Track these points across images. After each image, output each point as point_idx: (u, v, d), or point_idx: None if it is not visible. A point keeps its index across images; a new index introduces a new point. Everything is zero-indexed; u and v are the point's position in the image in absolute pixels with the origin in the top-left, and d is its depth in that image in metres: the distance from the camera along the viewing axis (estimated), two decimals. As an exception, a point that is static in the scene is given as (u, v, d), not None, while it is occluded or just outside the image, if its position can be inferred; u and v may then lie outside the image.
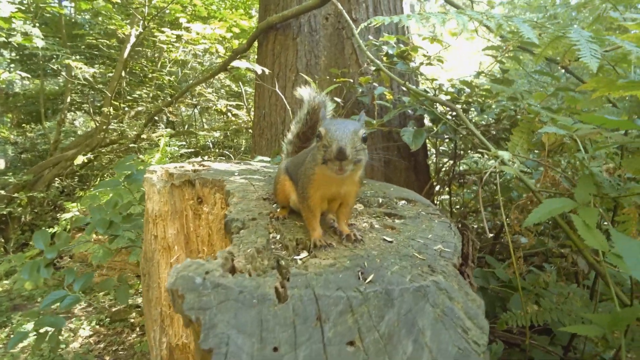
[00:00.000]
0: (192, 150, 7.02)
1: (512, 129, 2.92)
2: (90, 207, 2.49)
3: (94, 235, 3.51)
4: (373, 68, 3.33)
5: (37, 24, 6.96)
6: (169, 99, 7.30)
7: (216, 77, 7.27)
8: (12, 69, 7.30)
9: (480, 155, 3.85)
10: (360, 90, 3.04)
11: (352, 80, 3.06)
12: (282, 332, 0.66)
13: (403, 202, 1.55)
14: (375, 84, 3.23)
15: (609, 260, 1.24)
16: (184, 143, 7.97)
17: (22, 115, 9.71)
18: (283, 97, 3.29)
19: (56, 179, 7.43)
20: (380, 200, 1.55)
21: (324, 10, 3.83)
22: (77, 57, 7.44)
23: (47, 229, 4.64)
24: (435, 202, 4.16)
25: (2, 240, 6.85)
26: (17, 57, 8.41)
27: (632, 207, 1.42)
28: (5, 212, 6.58)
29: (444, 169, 4.11)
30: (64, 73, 6.74)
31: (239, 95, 8.13)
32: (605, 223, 1.74)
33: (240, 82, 6.75)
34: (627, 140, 1.48)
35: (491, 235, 4.14)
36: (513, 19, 1.91)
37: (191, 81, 8.09)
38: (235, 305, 0.68)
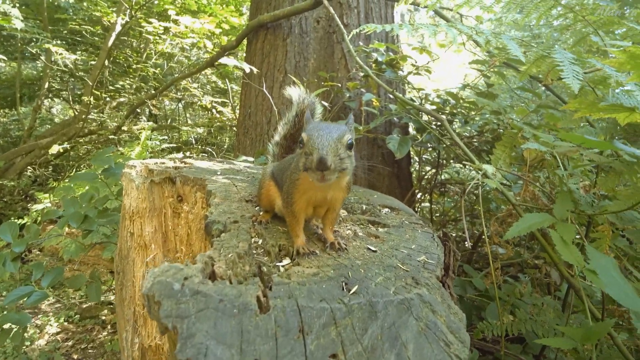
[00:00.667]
0: (174, 145, 6.86)
1: (495, 142, 2.99)
2: (63, 199, 2.38)
3: (66, 229, 3.37)
4: (362, 74, 3.34)
5: (17, 4, 6.67)
6: (153, 92, 7.12)
7: (202, 72, 7.14)
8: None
9: (462, 166, 3.92)
10: (347, 95, 3.04)
11: (340, 85, 3.06)
12: (263, 344, 0.63)
13: (386, 210, 1.55)
14: (363, 89, 3.24)
15: (584, 275, 1.28)
16: (166, 137, 7.78)
17: (-6, 99, 9.28)
18: (270, 97, 3.26)
19: (29, 167, 7.11)
20: (364, 207, 1.54)
21: (315, 13, 3.82)
22: (58, 42, 7.17)
23: (16, 220, 4.44)
24: (417, 209, 4.21)
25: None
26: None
27: (606, 225, 1.46)
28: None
29: (426, 177, 4.17)
30: (43, 58, 6.46)
31: (225, 92, 8.01)
32: (578, 236, 1.79)
33: (227, 79, 6.65)
34: (603, 160, 1.53)
35: (469, 244, 4.22)
36: (502, 36, 1.95)
37: (177, 75, 7.93)
38: (215, 315, 0.66)
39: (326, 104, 2.69)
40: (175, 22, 6.34)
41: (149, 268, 1.98)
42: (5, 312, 2.47)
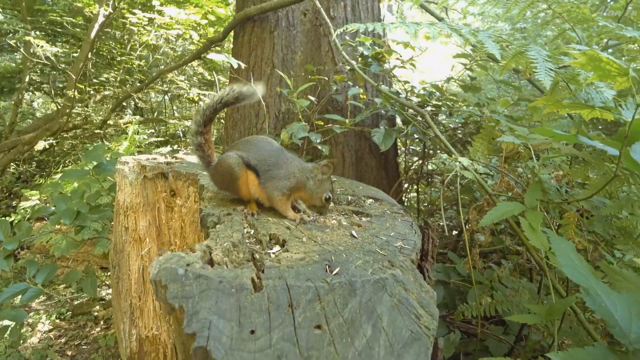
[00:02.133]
0: (162, 139, 6.88)
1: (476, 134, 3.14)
2: (52, 196, 2.46)
3: (57, 226, 3.43)
4: (348, 67, 3.45)
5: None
6: (138, 84, 7.10)
7: (189, 64, 7.13)
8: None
9: (448, 156, 4.07)
10: (335, 88, 3.14)
11: (327, 78, 3.16)
12: (258, 317, 0.76)
13: (370, 200, 1.68)
14: (350, 82, 3.34)
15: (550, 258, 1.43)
16: (152, 131, 7.78)
17: (-27, 93, 9.11)
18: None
19: (12, 164, 7.07)
20: (350, 199, 1.67)
21: (302, 6, 3.89)
22: (38, 33, 7.07)
23: (5, 218, 4.46)
24: (404, 200, 4.37)
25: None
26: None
27: (572, 212, 1.61)
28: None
29: (412, 167, 4.32)
30: (22, 50, 6.38)
31: (212, 84, 8.02)
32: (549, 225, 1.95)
33: (214, 71, 6.68)
34: (572, 152, 1.68)
35: (455, 232, 4.40)
36: (480, 33, 2.07)
37: (162, 67, 7.89)
38: (216, 294, 0.78)
39: (313, 98, 2.79)
40: (160, 12, 6.32)
41: (144, 261, 2.09)
42: (0, 310, 2.55)
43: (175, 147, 7.14)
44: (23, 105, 9.23)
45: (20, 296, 2.48)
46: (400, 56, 2.90)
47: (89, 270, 2.43)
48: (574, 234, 1.59)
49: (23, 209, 4.00)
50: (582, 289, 1.06)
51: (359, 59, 2.95)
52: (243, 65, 3.15)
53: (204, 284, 0.79)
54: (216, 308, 0.76)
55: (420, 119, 3.10)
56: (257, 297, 0.79)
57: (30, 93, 9.06)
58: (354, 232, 1.19)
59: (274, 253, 1.02)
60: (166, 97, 9.16)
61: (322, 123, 2.72)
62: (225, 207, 1.37)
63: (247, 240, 1.11)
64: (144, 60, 7.89)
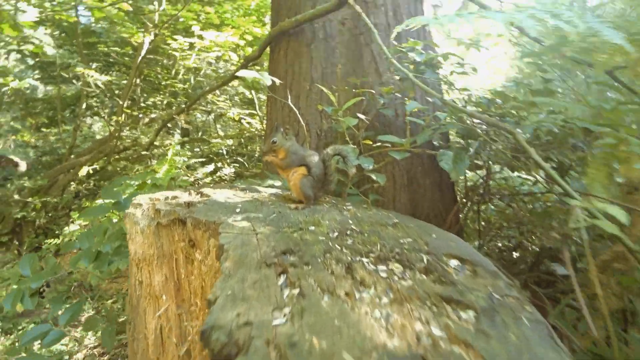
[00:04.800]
0: (204, 159, 6.63)
1: (561, 148, 2.43)
2: (80, 234, 2.09)
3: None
4: (397, 77, 2.88)
5: (55, 32, 6.68)
6: (182, 107, 6.94)
7: (230, 84, 6.88)
8: (28, 75, 7.04)
9: (512, 173, 3.35)
10: (382, 101, 2.59)
11: (373, 91, 2.61)
12: None
13: (455, 262, 1.10)
14: (398, 94, 2.77)
15: None
16: (197, 150, 7.59)
17: (44, 120, 9.51)
18: (296, 109, 2.86)
19: (71, 183, 7.13)
20: (425, 259, 1.09)
21: (340, 15, 3.38)
22: (94, 64, 7.16)
23: (52, 241, 4.30)
24: (462, 222, 3.68)
25: (17, 243, 6.60)
26: (38, 64, 8.17)
27: None
28: (19, 216, 6.32)
29: (468, 183, 3.63)
30: (74, 80, 6.43)
31: (253, 103, 7.74)
32: None
33: (252, 90, 6.36)
34: None
35: (516, 255, 3.64)
36: (585, 17, 1.44)
37: (205, 88, 7.72)
38: None
39: (362, 116, 2.24)
40: (200, 37, 6.11)
41: (162, 320, 1.62)
42: (22, 355, 2.22)
43: (219, 164, 6.87)
44: (84, 129, 9.49)
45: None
46: (462, 59, 2.28)
47: (110, 317, 2.03)
48: None
49: (50, 242, 3.78)
50: None
51: (411, 66, 2.37)
52: (278, 82, 2.69)
53: None
54: None
55: (481, 131, 2.45)
56: None
57: (91, 118, 9.29)
58: None
59: None
60: (210, 117, 9.01)
61: (371, 142, 2.16)
62: (246, 301, 0.81)
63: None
64: (188, 84, 7.78)
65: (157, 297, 1.54)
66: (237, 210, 1.49)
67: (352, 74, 3.11)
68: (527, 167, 2.91)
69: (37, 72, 8.39)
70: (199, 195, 1.77)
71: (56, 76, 7.36)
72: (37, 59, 7.50)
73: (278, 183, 2.23)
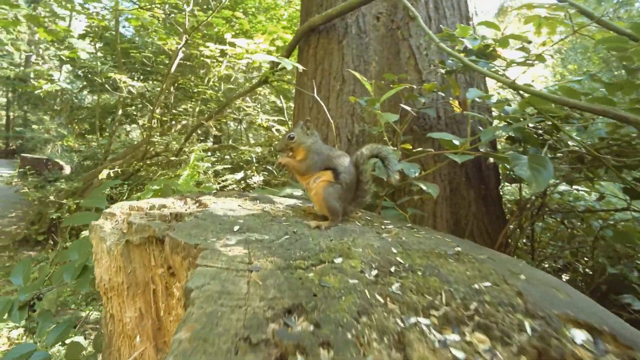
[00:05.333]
0: (232, 165, 6.42)
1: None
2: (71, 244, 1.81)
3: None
4: (438, 73, 2.43)
5: (97, 43, 6.85)
6: (211, 113, 6.84)
7: (261, 92, 6.69)
8: (78, 87, 7.25)
9: (570, 187, 2.75)
10: (422, 100, 2.14)
11: (414, 87, 2.18)
12: None
13: (579, 333, 0.63)
14: (441, 93, 2.32)
15: None
16: (227, 157, 7.43)
17: (86, 126, 9.88)
18: (326, 109, 2.48)
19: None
20: (528, 326, 0.64)
21: (374, 9, 3.01)
22: (132, 73, 7.27)
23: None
24: (509, 240, 3.11)
25: (51, 243, 6.74)
26: (82, 73, 8.49)
27: None
28: (54, 217, 6.44)
29: (517, 197, 3.06)
30: (108, 86, 6.50)
31: (282, 110, 7.51)
32: None
33: (281, 97, 6.10)
34: None
35: (565, 278, 3.01)
36: None
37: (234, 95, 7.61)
38: None
39: (407, 107, 1.81)
40: (232, 44, 5.98)
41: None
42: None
43: (248, 172, 6.66)
44: (122, 135, 9.72)
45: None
46: (529, 49, 1.79)
47: (97, 343, 1.71)
48: None
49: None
50: None
51: (462, 55, 1.91)
52: (301, 68, 2.32)
53: None
54: None
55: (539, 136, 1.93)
56: None
57: (128, 124, 9.50)
58: None
59: None
60: (241, 126, 8.90)
61: (410, 147, 1.72)
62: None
63: None
64: (220, 92, 7.70)
65: (130, 337, 1.18)
66: (236, 228, 1.10)
67: (387, 71, 2.70)
68: (590, 180, 2.35)
69: (84, 82, 8.74)
70: (196, 204, 1.40)
71: (97, 84, 7.57)
72: (82, 68, 7.77)
73: (299, 192, 1.83)
